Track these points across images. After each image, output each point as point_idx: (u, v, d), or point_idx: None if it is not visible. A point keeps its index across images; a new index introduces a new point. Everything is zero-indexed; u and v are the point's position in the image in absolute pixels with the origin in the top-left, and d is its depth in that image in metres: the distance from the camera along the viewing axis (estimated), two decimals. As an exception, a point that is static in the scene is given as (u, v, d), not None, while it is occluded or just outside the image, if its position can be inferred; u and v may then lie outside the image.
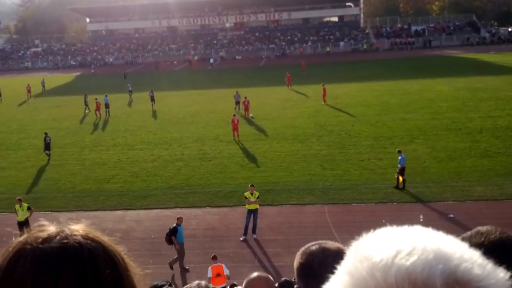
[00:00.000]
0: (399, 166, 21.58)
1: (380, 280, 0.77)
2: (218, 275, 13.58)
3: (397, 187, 21.46)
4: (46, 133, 29.81)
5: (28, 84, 55.34)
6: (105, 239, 1.13)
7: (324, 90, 40.18)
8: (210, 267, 13.90)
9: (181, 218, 16.74)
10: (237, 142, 30.26)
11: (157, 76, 66.20)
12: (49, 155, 29.02)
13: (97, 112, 39.84)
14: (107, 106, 40.49)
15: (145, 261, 16.94)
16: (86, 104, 42.46)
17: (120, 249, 1.15)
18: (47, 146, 29.13)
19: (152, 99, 42.89)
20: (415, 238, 0.82)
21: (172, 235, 16.08)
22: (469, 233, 1.69)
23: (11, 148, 31.89)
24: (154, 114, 41.10)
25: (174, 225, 16.36)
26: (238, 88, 44.69)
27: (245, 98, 37.21)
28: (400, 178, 21.45)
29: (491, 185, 21.29)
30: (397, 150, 22.91)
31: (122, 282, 1.08)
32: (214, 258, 14.18)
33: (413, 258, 0.77)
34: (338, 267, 0.92)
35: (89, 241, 1.07)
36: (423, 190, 21.13)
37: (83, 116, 41.08)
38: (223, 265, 13.92)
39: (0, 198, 23.17)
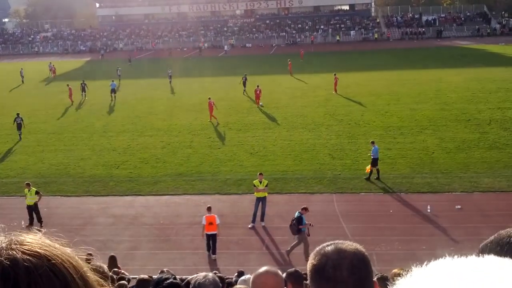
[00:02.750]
0: (372, 157, 21.57)
1: None
2: (211, 223, 16.02)
3: (368, 178, 21.53)
4: (18, 114, 31.02)
5: (53, 65, 58.74)
6: (58, 253, 0.88)
7: (336, 80, 39.91)
8: (204, 216, 16.15)
9: (306, 208, 15.93)
10: (213, 124, 31.33)
11: (169, 63, 66.14)
12: (20, 134, 30.46)
13: (70, 98, 39.93)
14: (113, 91, 41.13)
15: (154, 246, 17.20)
16: (83, 90, 42.33)
17: (83, 266, 0.92)
18: (18, 127, 30.50)
19: (170, 77, 47.72)
20: (485, 272, 0.64)
21: (300, 224, 15.57)
22: (491, 238, 1.60)
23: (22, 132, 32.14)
24: (172, 91, 44.78)
25: (299, 214, 15.66)
26: (248, 76, 44.95)
27: (257, 86, 37.07)
28: (368, 168, 21.54)
29: (499, 176, 21.30)
30: (370, 141, 22.76)
31: None
32: (209, 209, 16.35)
33: None
34: None
35: (29, 257, 0.83)
36: (431, 181, 21.16)
37: (81, 101, 41.13)
38: (215, 215, 16.11)
39: (10, 182, 23.46)
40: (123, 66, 57.59)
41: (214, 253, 16.19)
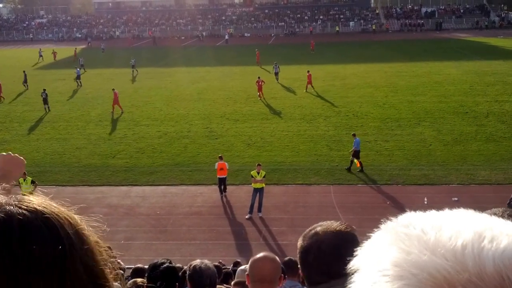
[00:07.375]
0: (353, 149, 21.56)
1: (472, 269, 0.58)
2: (221, 169, 19.23)
3: (349, 169, 21.55)
4: (44, 89, 33.78)
5: (53, 50, 61.70)
6: (55, 210, 0.93)
7: (309, 76, 37.16)
8: (216, 163, 19.45)
9: None
10: (113, 115, 32.00)
11: (157, 52, 65.76)
12: (45, 108, 33.32)
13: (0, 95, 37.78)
14: (78, 77, 43.17)
15: (150, 236, 17.14)
16: (25, 81, 41.71)
17: (80, 224, 0.95)
18: (44, 101, 33.31)
19: (133, 66, 48.03)
20: (479, 221, 0.67)
21: None
22: (486, 211, 1.62)
23: (16, 120, 31.92)
24: (134, 79, 45.75)
25: None
26: (246, 66, 44.81)
27: (258, 78, 36.07)
28: (357, 162, 21.52)
29: (496, 169, 21.33)
30: (352, 133, 22.70)
31: (66, 261, 0.88)
32: (221, 157, 19.61)
33: (505, 241, 0.61)
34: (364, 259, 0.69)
35: (25, 212, 0.89)
36: (428, 173, 21.17)
37: (23, 92, 40.40)
38: (225, 163, 19.37)
39: (6, 170, 23.27)
40: (119, 55, 57.18)
41: (225, 191, 19.50)
